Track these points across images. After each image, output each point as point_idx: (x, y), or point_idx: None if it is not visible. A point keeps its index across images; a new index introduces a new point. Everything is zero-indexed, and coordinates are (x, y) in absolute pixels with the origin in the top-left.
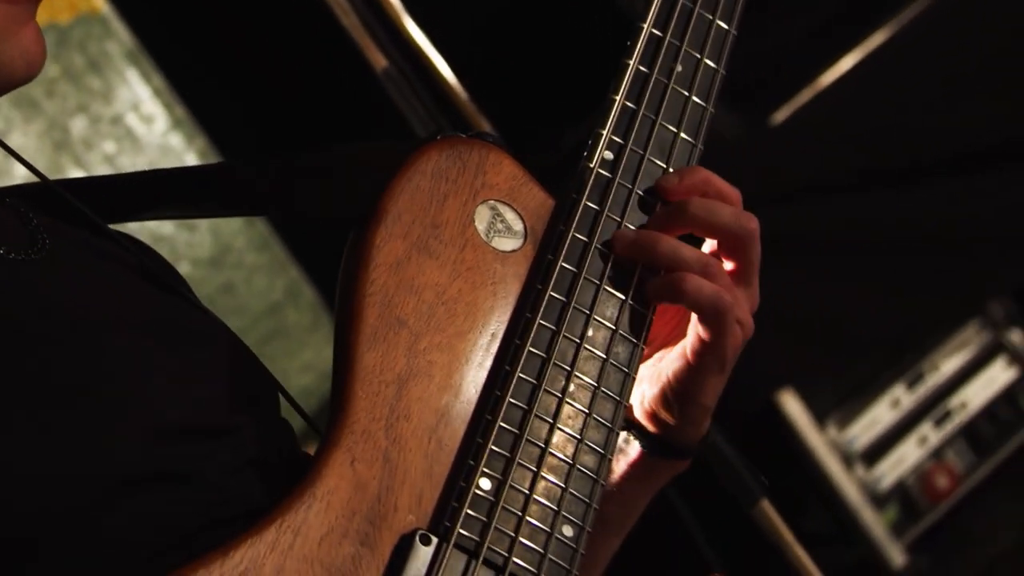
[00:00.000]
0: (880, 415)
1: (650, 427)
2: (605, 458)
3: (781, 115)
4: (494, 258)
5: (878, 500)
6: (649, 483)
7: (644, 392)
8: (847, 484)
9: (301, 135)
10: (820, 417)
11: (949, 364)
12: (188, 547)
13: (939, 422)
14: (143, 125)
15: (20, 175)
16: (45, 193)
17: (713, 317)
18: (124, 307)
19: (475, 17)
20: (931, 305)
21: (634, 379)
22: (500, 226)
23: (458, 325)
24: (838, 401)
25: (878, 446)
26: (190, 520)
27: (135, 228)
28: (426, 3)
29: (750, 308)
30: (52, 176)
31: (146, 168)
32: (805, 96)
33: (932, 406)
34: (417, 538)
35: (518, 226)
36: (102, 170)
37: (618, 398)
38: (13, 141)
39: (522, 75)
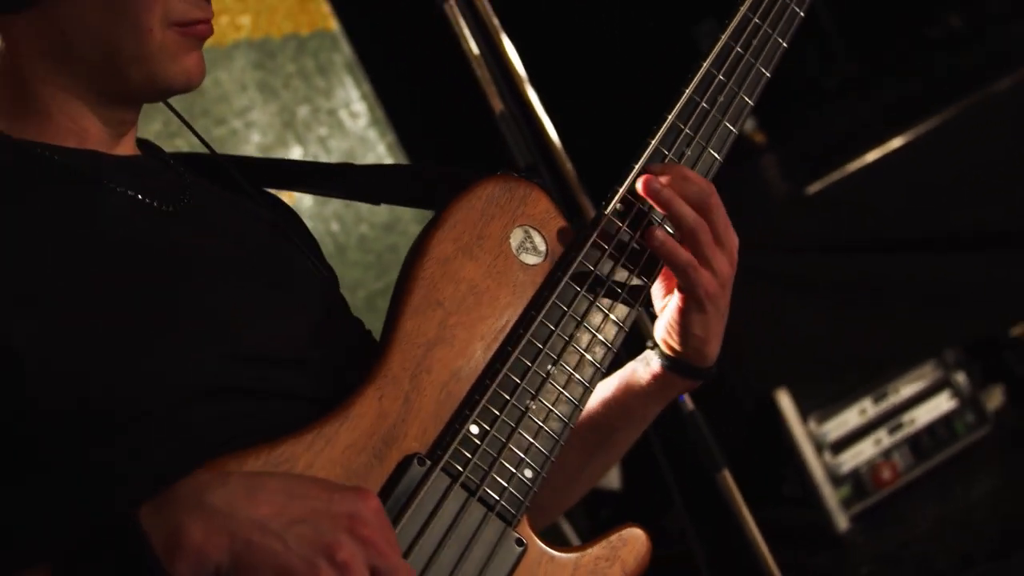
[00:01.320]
0: (849, 418)
1: (667, 351)
2: (567, 426)
3: (815, 187)
4: (519, 268)
5: (836, 480)
6: (664, 391)
7: (661, 326)
8: (816, 465)
9: (441, 145)
10: (805, 413)
11: (907, 389)
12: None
13: (892, 431)
14: (350, 119)
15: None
16: (205, 161)
17: (682, 273)
18: (239, 253)
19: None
20: (903, 344)
21: (603, 372)
22: (528, 245)
23: (481, 312)
24: (821, 403)
25: (844, 441)
26: (251, 431)
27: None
28: (539, 68)
29: (728, 260)
30: (277, 146)
31: (345, 153)
32: (836, 176)
33: (889, 418)
34: (415, 460)
35: (542, 247)
36: (315, 147)
37: (587, 384)
38: (253, 116)
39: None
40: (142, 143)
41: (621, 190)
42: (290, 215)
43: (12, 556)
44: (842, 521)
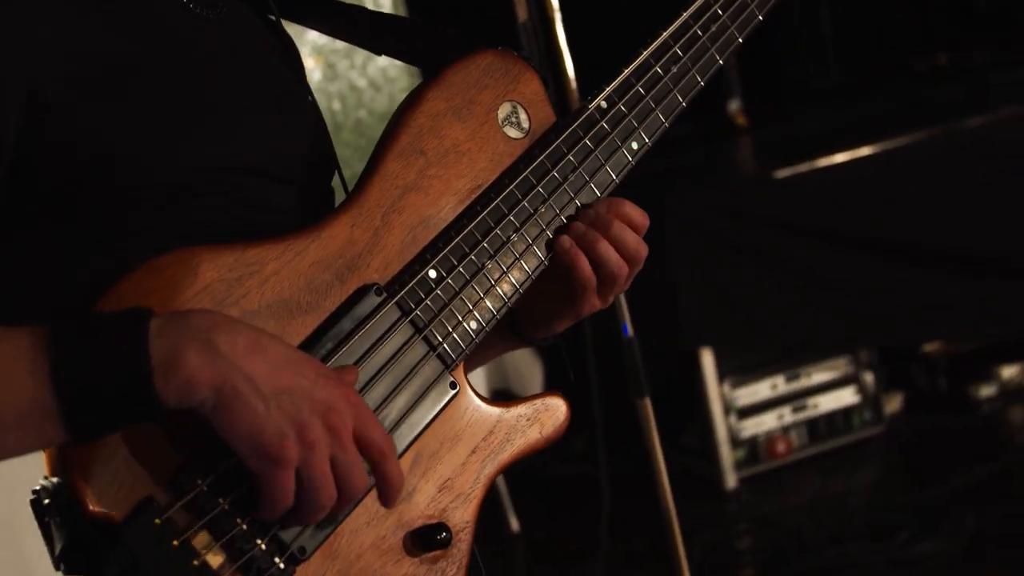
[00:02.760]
0: (760, 390)
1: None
2: (517, 292)
3: (783, 173)
4: (501, 139)
5: (736, 442)
6: (503, 347)
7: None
8: (721, 425)
9: None
10: (722, 375)
11: (818, 376)
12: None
13: (796, 410)
14: None
15: None
16: None
17: (580, 287)
18: (257, 69)
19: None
20: (827, 335)
21: (550, 256)
22: (514, 120)
23: (459, 170)
24: (738, 370)
25: (750, 409)
26: (232, 232)
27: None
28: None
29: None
30: None
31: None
32: (804, 167)
33: (795, 398)
34: (373, 289)
35: (526, 125)
36: None
37: (541, 259)
38: None
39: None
40: None
41: (608, 89)
42: (298, 56)
43: (7, 299)
44: (731, 480)
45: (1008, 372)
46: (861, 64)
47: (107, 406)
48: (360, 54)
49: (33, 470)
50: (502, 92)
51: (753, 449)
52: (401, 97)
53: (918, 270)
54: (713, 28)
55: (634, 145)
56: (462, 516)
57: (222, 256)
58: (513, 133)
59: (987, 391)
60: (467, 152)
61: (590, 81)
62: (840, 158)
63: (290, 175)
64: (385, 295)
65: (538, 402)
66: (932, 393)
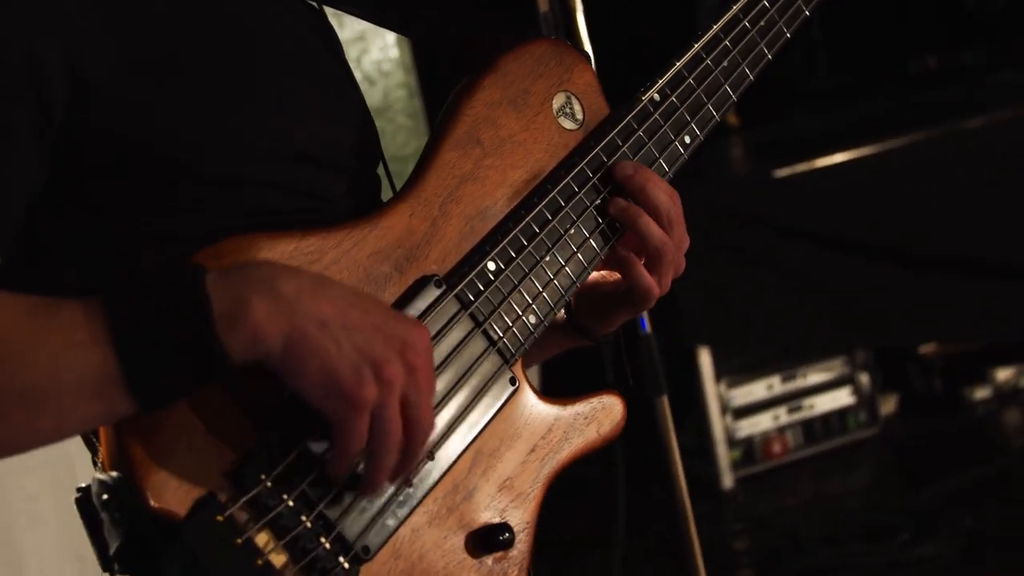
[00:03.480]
0: (757, 390)
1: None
2: (575, 284)
3: (782, 173)
4: (556, 129)
5: (732, 442)
6: (560, 344)
7: (586, 295)
8: (718, 424)
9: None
10: (719, 375)
11: (814, 377)
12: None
13: (791, 411)
14: None
15: None
16: None
17: (639, 298)
18: (302, 48)
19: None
20: (823, 336)
21: (607, 248)
22: (568, 110)
23: (515, 160)
24: (735, 371)
25: (747, 409)
26: (288, 223)
27: None
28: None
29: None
30: None
31: None
32: (802, 168)
33: (791, 399)
34: (433, 281)
35: (580, 116)
36: None
37: (597, 251)
38: None
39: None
40: None
41: (661, 82)
42: (339, 42)
43: (57, 281)
44: (728, 479)
45: (1003, 374)
46: (851, 66)
47: (172, 364)
48: (354, 47)
49: (26, 479)
50: (556, 82)
51: (749, 449)
52: (397, 92)
53: (914, 271)
54: (762, 22)
55: (687, 139)
56: (522, 516)
57: (280, 244)
58: (568, 124)
59: (982, 393)
60: (523, 143)
61: (610, 73)
62: (838, 158)
63: (340, 162)
64: (445, 287)
65: (595, 400)
66: (927, 395)
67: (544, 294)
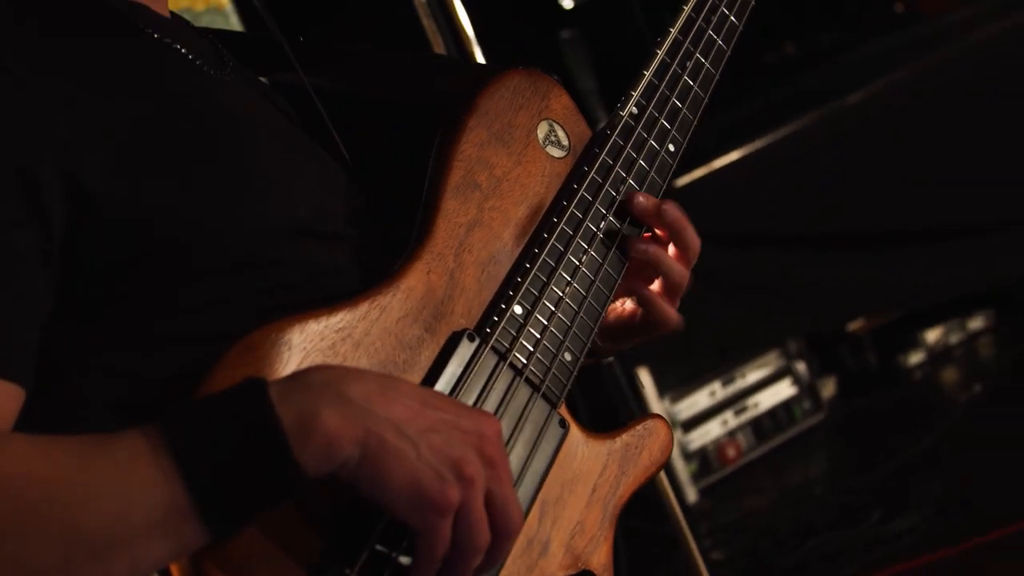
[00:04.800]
0: (700, 400)
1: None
2: (601, 313)
3: (683, 181)
4: (546, 159)
5: (687, 456)
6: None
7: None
8: None
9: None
10: (662, 391)
11: (753, 375)
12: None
13: (737, 413)
14: None
15: None
16: (233, 40)
17: (661, 327)
18: (281, 126)
19: None
20: (751, 333)
21: (625, 269)
22: (553, 138)
23: (515, 197)
24: (675, 384)
25: (694, 420)
26: (305, 302)
27: None
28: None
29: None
30: None
31: None
32: (700, 173)
33: (735, 401)
34: (466, 335)
35: (565, 142)
36: None
37: (616, 276)
38: None
39: None
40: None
41: (635, 95)
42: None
43: (80, 400)
44: (691, 494)
45: (932, 335)
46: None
47: (247, 490)
48: None
49: None
50: (536, 111)
51: (704, 459)
52: None
53: (827, 253)
54: (714, 18)
55: (671, 147)
56: (599, 559)
57: (309, 325)
58: (556, 152)
59: (916, 358)
60: (518, 179)
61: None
62: (734, 156)
63: (341, 231)
64: (478, 340)
65: (639, 428)
66: (864, 370)
67: (574, 329)
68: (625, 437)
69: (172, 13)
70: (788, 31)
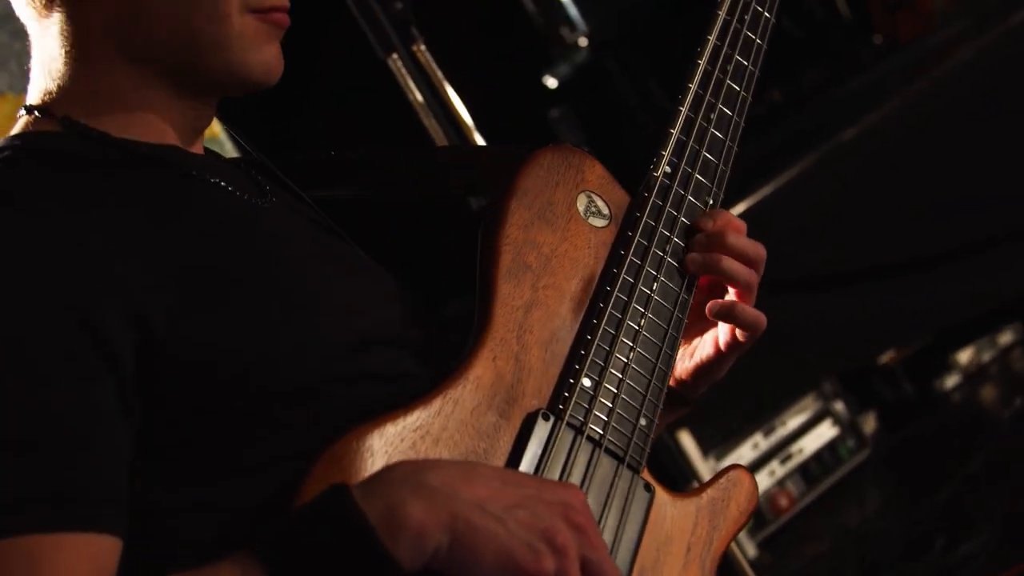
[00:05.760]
0: (744, 453)
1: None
2: (667, 374)
3: None
4: (590, 231)
5: None
6: (666, 416)
7: (681, 363)
8: None
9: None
10: (705, 450)
11: (793, 421)
12: None
13: (783, 461)
14: None
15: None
16: (263, 165)
17: (753, 332)
18: (325, 245)
19: None
20: (788, 380)
21: (685, 324)
22: (593, 209)
23: (565, 272)
24: (718, 441)
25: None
26: (377, 405)
27: None
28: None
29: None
30: None
31: None
32: None
33: (779, 450)
34: (540, 415)
35: (606, 211)
36: None
37: (676, 335)
38: None
39: None
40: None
41: (666, 153)
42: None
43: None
44: (751, 549)
45: (964, 356)
46: None
47: None
48: None
49: None
50: (573, 185)
51: (757, 512)
52: None
53: (852, 289)
54: (731, 67)
55: (709, 200)
56: None
57: (387, 429)
58: (598, 222)
59: (952, 381)
60: (566, 253)
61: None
62: (741, 206)
63: (404, 335)
64: (553, 418)
65: (723, 480)
66: (902, 401)
67: (645, 393)
68: (710, 492)
69: (205, 148)
70: (773, 79)
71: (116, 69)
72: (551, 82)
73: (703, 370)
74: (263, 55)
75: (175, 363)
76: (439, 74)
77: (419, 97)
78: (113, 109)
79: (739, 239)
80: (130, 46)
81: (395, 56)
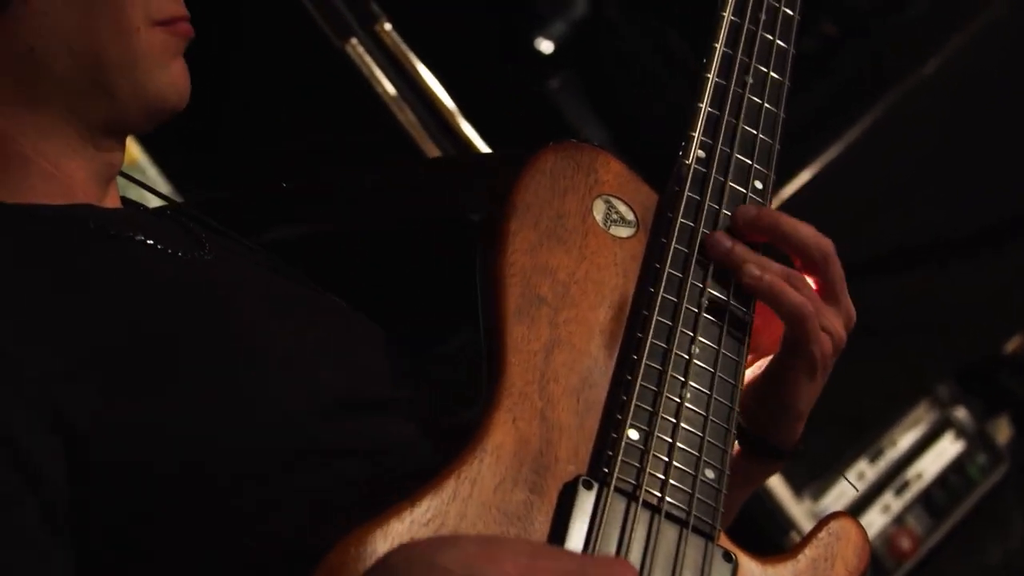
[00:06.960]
0: (847, 488)
1: (750, 427)
2: (733, 410)
3: None
4: (613, 243)
5: None
6: (747, 482)
7: (745, 395)
8: None
9: None
10: (797, 490)
11: (905, 440)
12: (367, 506)
13: (899, 491)
14: None
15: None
16: (193, 210)
17: (798, 321)
18: (277, 293)
19: None
20: (886, 387)
21: (748, 344)
22: (615, 216)
23: (590, 300)
24: (812, 476)
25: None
26: (363, 484)
27: None
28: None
29: (843, 323)
30: None
31: None
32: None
33: (892, 478)
34: (580, 484)
35: (630, 216)
36: None
37: (737, 359)
38: None
39: None
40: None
41: (696, 134)
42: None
43: None
44: None
45: None
46: None
47: None
48: None
49: None
50: (585, 191)
51: (874, 562)
52: None
53: (951, 263)
54: (763, 15)
55: (758, 184)
56: None
57: (392, 527)
58: (622, 232)
59: None
60: (587, 276)
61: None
62: (805, 176)
63: (391, 395)
64: (597, 485)
65: (823, 535)
66: None
67: (707, 437)
68: (808, 552)
69: (123, 198)
70: (823, 7)
71: (8, 120)
72: (545, 45)
73: (771, 397)
74: (171, 74)
75: (103, 465)
76: (410, 56)
77: (389, 88)
78: (8, 168)
79: (797, 229)
80: (26, 86)
81: (354, 41)
